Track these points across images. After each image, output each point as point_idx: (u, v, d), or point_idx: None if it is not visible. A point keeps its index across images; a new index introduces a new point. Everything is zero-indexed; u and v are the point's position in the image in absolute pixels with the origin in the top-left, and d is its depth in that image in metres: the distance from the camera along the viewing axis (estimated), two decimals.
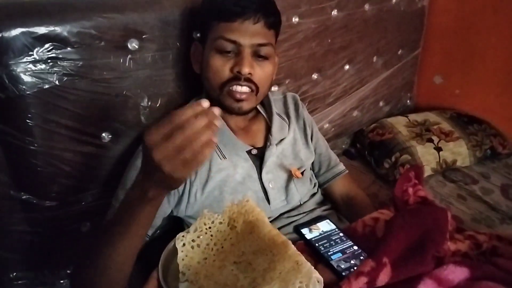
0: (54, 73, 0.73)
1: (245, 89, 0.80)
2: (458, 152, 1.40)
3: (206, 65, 0.82)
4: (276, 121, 0.94)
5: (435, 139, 1.42)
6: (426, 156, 1.37)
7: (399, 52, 1.52)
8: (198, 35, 0.89)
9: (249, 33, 0.78)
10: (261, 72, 0.81)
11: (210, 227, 0.61)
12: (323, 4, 1.15)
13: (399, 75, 1.56)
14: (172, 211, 0.85)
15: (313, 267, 0.51)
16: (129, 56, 0.82)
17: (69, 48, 0.74)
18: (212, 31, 0.80)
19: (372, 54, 1.40)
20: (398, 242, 0.78)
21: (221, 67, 0.80)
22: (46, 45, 0.71)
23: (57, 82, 0.74)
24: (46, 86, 0.73)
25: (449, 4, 1.57)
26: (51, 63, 0.73)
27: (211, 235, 0.62)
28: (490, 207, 1.21)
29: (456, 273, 0.73)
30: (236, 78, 0.79)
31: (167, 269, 0.62)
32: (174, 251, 0.62)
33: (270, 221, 0.87)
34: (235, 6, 0.76)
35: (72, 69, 0.75)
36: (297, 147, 0.96)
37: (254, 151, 0.89)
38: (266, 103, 0.97)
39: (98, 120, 0.82)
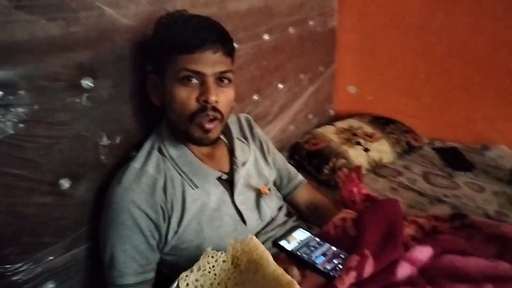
0: (8, 121, 0.67)
1: (212, 118, 0.82)
2: (382, 150, 1.58)
3: (170, 97, 0.82)
4: (238, 144, 0.97)
5: (362, 141, 1.58)
6: (358, 157, 1.52)
7: (320, 68, 1.67)
8: (150, 68, 0.89)
9: (211, 63, 0.80)
10: (225, 98, 0.84)
11: (213, 266, 0.60)
12: (256, 30, 1.23)
13: (321, 89, 1.71)
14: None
15: None
16: (85, 95, 0.78)
17: (21, 93, 0.68)
18: (173, 64, 0.80)
19: (299, 72, 1.52)
20: (373, 234, 0.85)
21: (187, 98, 0.80)
22: None
23: (11, 131, 0.67)
24: (0, 137, 0.66)
25: (354, 23, 1.79)
26: (3, 112, 0.66)
27: (215, 274, 0.61)
28: (419, 193, 1.37)
29: (423, 252, 0.83)
30: (204, 108, 0.81)
31: None
32: None
33: None
34: (194, 38, 0.78)
35: (26, 115, 0.69)
36: (259, 165, 1.00)
37: (224, 176, 0.91)
38: (225, 128, 0.99)
39: (56, 166, 0.76)
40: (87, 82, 0.79)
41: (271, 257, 0.58)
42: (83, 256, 0.85)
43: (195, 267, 0.62)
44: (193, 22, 0.80)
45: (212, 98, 0.79)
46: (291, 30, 1.39)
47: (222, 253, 0.58)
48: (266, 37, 1.27)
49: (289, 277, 0.56)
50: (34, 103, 0.70)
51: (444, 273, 0.79)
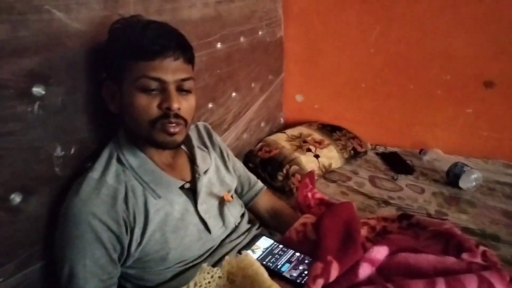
0: None
1: (174, 126, 0.80)
2: (331, 156, 1.65)
3: (129, 105, 0.79)
4: (198, 152, 0.96)
5: (312, 148, 1.64)
6: (310, 164, 1.57)
7: (270, 77, 1.71)
8: (104, 75, 0.85)
9: (171, 70, 0.78)
10: (187, 105, 0.82)
11: (209, 282, 0.60)
12: (209, 38, 1.23)
13: (272, 97, 1.75)
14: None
15: None
16: (37, 103, 0.73)
17: None
18: (131, 71, 0.78)
19: (251, 80, 1.54)
20: (332, 239, 0.89)
21: (148, 105, 0.78)
22: None
23: None
24: None
25: (299, 34, 1.86)
26: None
27: None
28: (367, 196, 1.45)
29: (381, 252, 0.88)
30: (166, 115, 0.79)
31: None
32: None
33: (214, 250, 0.89)
34: (153, 45, 0.76)
35: None
36: (221, 173, 1.00)
37: (187, 185, 0.89)
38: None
39: (6, 179, 0.70)
40: (38, 90, 0.74)
41: (266, 273, 0.58)
42: (36, 276, 0.78)
43: (191, 283, 0.62)
44: (151, 28, 0.78)
45: (175, 105, 0.78)
46: (242, 39, 1.41)
47: (217, 269, 0.58)
48: (219, 45, 1.27)
49: None
50: None
51: (400, 270, 0.85)
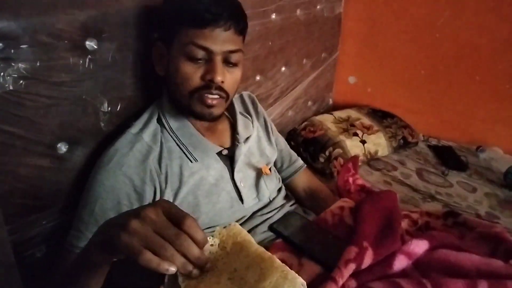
0: (8, 76, 0.63)
1: (215, 96, 0.79)
2: (379, 143, 1.58)
3: (174, 70, 0.79)
4: (240, 119, 0.95)
5: (359, 133, 1.57)
6: (354, 148, 1.51)
7: (323, 55, 1.64)
8: (155, 35, 0.85)
9: (220, 40, 0.76)
10: (231, 79, 0.81)
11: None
12: (264, 8, 1.19)
13: (323, 76, 1.69)
14: None
15: (296, 274, 0.55)
16: (89, 56, 0.75)
17: (23, 48, 0.64)
18: (181, 36, 0.77)
19: (303, 56, 1.49)
20: (371, 226, 0.85)
21: (192, 74, 0.77)
22: None
23: (11, 87, 0.64)
24: None
25: (360, 12, 1.76)
26: (3, 65, 0.62)
27: None
28: (412, 189, 1.38)
29: (420, 245, 0.83)
30: (207, 86, 0.78)
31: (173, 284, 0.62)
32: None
33: (245, 221, 0.88)
34: (206, 12, 0.74)
35: (27, 72, 0.66)
36: (262, 144, 0.98)
37: (225, 152, 0.88)
38: None
39: (55, 128, 0.73)
40: (91, 44, 0.75)
41: (253, 239, 0.62)
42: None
43: None
44: None
45: (219, 78, 0.77)
46: (299, 12, 1.36)
47: (209, 238, 0.61)
48: (273, 16, 1.23)
49: (269, 253, 0.59)
50: (36, 60, 0.67)
51: (438, 267, 0.80)
